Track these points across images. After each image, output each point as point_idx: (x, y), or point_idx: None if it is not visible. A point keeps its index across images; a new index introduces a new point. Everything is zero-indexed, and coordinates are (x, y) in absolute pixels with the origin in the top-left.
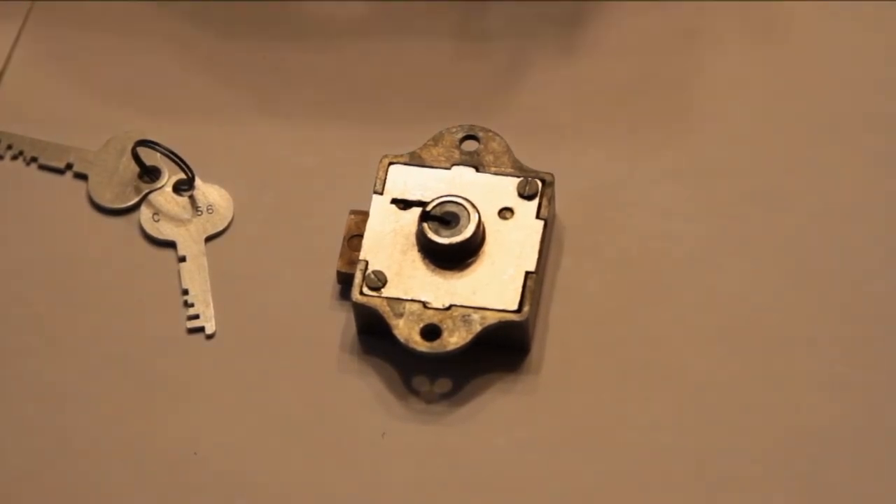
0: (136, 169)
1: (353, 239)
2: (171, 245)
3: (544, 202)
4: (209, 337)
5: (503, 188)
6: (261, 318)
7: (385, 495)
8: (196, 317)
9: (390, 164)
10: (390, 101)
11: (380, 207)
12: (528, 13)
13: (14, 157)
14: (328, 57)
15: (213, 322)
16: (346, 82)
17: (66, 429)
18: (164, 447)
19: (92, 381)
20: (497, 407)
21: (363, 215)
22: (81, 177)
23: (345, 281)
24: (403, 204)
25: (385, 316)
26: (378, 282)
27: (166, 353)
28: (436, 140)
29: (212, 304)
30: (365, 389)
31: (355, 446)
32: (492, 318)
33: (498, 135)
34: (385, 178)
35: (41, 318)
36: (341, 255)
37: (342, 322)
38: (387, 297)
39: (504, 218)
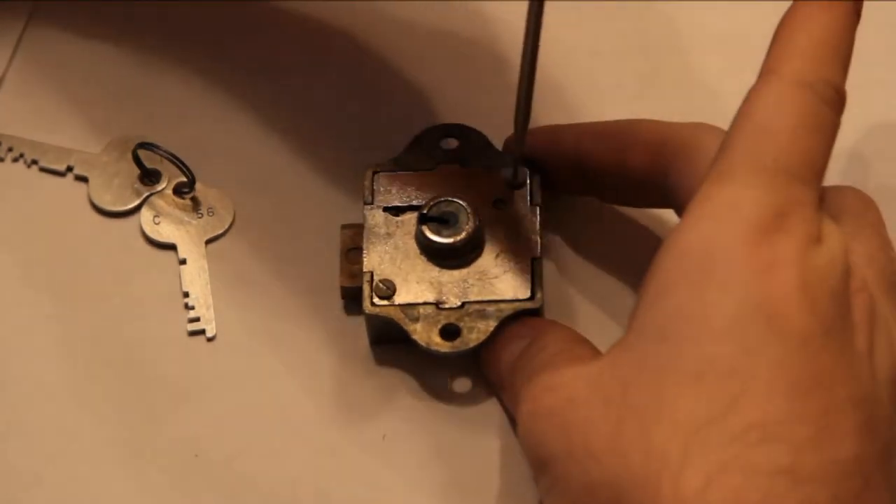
0: (137, 171)
1: (351, 252)
2: (171, 247)
3: (535, 188)
4: (210, 339)
5: (492, 180)
6: (262, 321)
7: (386, 497)
8: (197, 319)
9: (374, 173)
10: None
11: (373, 218)
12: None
13: (15, 160)
14: (324, 59)
15: (214, 324)
16: (334, 89)
17: (67, 431)
18: (164, 449)
19: (92, 383)
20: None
21: (356, 228)
22: (82, 179)
23: (350, 295)
24: (396, 211)
25: (401, 323)
26: (387, 290)
27: (167, 356)
28: (415, 143)
29: (213, 307)
30: (365, 391)
31: (356, 449)
32: (508, 309)
33: (476, 129)
34: (373, 188)
35: (42, 319)
36: (342, 270)
37: (342, 323)
38: (399, 305)
39: (499, 209)
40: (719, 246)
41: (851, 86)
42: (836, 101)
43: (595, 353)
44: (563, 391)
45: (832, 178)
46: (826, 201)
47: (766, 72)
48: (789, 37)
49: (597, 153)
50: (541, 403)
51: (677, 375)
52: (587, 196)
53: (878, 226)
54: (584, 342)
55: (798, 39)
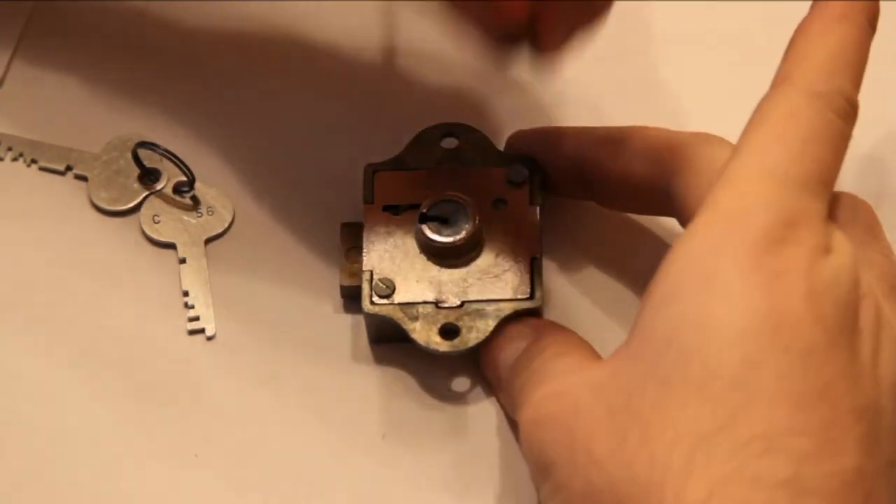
0: (137, 170)
1: (350, 251)
2: (171, 246)
3: (535, 188)
4: (210, 338)
5: (492, 180)
6: (261, 320)
7: (386, 497)
8: (196, 318)
9: (374, 172)
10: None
11: (373, 216)
12: None
13: (14, 159)
14: (323, 58)
15: (214, 323)
16: (335, 88)
17: (67, 430)
18: (164, 448)
19: (92, 383)
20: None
21: (356, 227)
22: (82, 178)
23: (349, 295)
24: (396, 210)
25: (400, 322)
26: (387, 289)
27: (167, 355)
28: (415, 142)
29: (212, 306)
30: (364, 390)
31: (356, 448)
32: (507, 309)
33: (476, 128)
34: (372, 187)
35: (41, 319)
36: (341, 269)
37: (342, 322)
38: (399, 304)
39: (498, 209)
40: (727, 253)
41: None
42: (848, 113)
43: (594, 356)
44: (567, 399)
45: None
46: None
47: (779, 81)
48: (804, 47)
49: (598, 159)
50: (544, 410)
51: (681, 385)
52: (587, 200)
53: (877, 230)
54: (584, 344)
55: (812, 50)
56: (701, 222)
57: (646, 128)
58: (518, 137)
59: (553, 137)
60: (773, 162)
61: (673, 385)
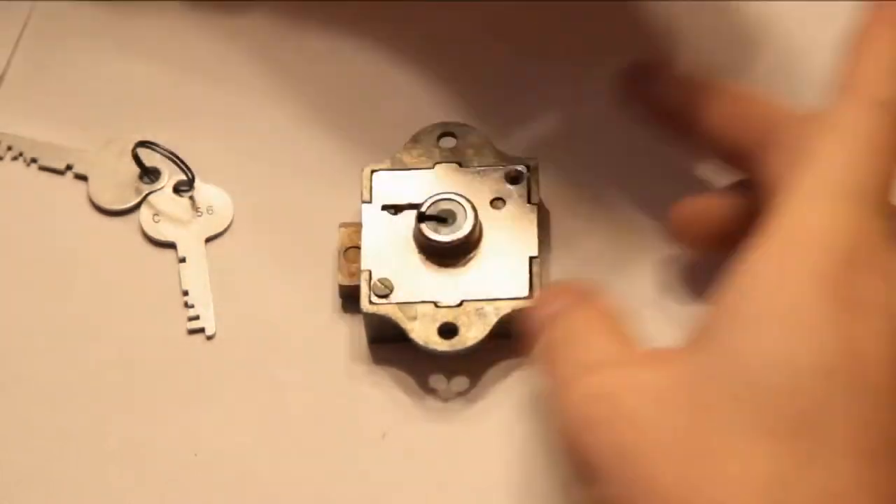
0: (137, 170)
1: (349, 251)
2: (171, 246)
3: (533, 187)
4: (209, 338)
5: (490, 179)
6: (261, 319)
7: (386, 497)
8: (196, 318)
9: (373, 172)
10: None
11: (371, 216)
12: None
13: (14, 158)
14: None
15: (213, 323)
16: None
17: (66, 429)
18: (164, 448)
19: (92, 382)
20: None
21: (355, 226)
22: (81, 178)
23: (348, 294)
24: (394, 209)
25: (399, 321)
26: (385, 289)
27: (167, 354)
28: (413, 142)
29: (212, 305)
30: (365, 389)
31: (355, 448)
32: (505, 308)
33: (474, 128)
34: (371, 187)
35: (41, 318)
36: (340, 269)
37: (342, 322)
38: (397, 303)
39: (496, 208)
40: (801, 280)
41: None
42: None
43: (630, 339)
44: (618, 403)
45: None
46: None
47: (842, 89)
48: (865, 53)
49: (694, 106)
50: (591, 411)
51: (753, 422)
52: (674, 132)
53: None
54: (620, 320)
55: (874, 56)
56: (770, 239)
57: (750, 91)
58: (631, 67)
59: (655, 70)
60: (844, 179)
61: (745, 420)
